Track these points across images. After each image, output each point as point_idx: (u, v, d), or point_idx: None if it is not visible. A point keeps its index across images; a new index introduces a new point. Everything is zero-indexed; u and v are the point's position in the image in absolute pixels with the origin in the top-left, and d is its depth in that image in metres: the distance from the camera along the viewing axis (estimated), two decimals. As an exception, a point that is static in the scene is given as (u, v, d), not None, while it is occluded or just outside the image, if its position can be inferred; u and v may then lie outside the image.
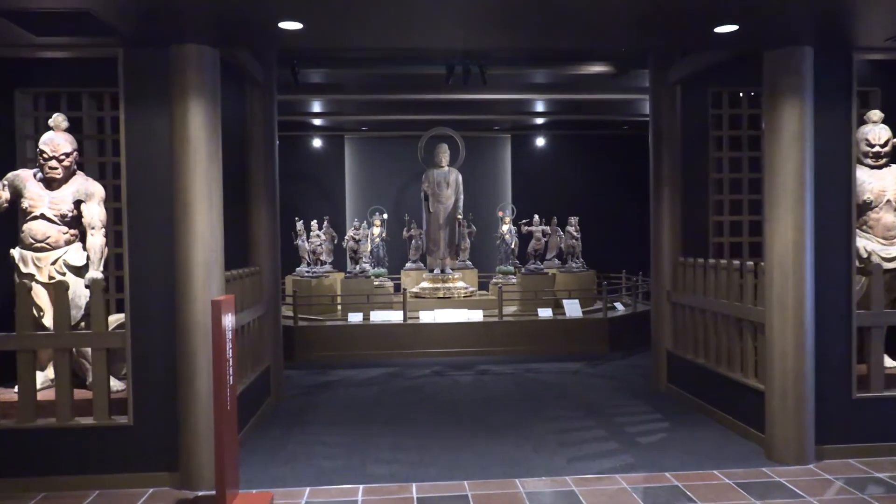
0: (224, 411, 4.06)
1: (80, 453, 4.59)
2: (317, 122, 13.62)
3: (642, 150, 15.62)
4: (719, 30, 4.65)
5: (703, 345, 6.35)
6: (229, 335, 4.16)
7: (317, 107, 12.33)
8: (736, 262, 5.81)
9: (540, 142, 14.68)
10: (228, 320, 4.16)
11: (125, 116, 4.62)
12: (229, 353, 4.15)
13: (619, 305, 10.40)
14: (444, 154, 11.17)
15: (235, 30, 4.52)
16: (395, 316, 9.43)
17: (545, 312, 9.68)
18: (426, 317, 9.52)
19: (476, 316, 9.55)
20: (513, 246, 11.42)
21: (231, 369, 4.18)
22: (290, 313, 9.35)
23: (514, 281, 11.13)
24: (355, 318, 9.44)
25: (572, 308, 9.67)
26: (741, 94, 7.11)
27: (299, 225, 11.05)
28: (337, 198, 14.60)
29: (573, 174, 14.77)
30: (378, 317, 9.45)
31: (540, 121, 13.88)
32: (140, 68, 4.63)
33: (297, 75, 8.61)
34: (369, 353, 9.11)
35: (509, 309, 10.07)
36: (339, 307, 10.01)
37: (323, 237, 10.92)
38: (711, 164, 7.10)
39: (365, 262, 11.85)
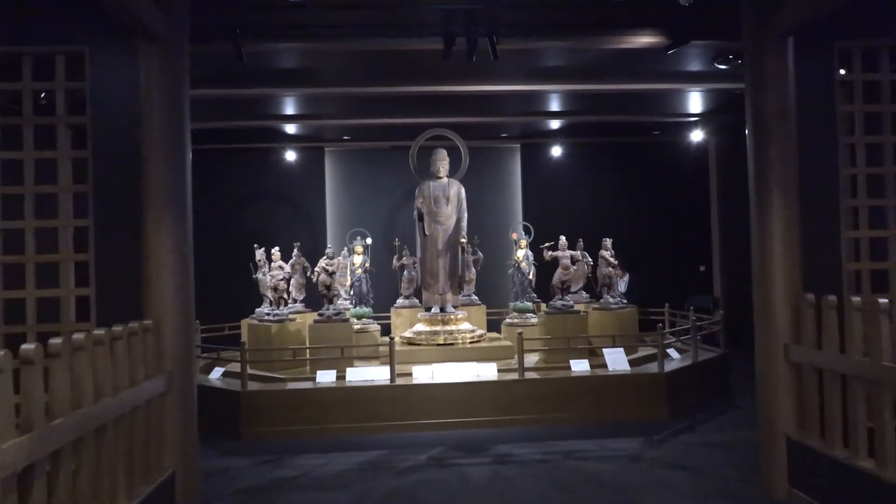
0: None
1: None
2: (290, 129, 11.34)
3: (678, 160, 13.48)
4: None
5: (867, 438, 3.94)
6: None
7: (289, 107, 10.06)
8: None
9: (555, 151, 12.42)
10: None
11: None
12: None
13: (672, 353, 7.99)
14: (443, 161, 8.83)
15: None
16: (380, 374, 7.01)
17: (580, 365, 7.27)
18: (422, 374, 7.10)
19: (489, 372, 7.13)
20: (530, 276, 9.04)
21: None
22: (256, 370, 6.93)
23: (533, 321, 8.73)
24: (326, 377, 7.03)
25: (616, 359, 7.26)
26: (882, 52, 4.83)
27: (259, 254, 8.67)
28: (316, 221, 12.29)
29: (594, 190, 12.52)
30: (357, 375, 7.03)
31: (555, 125, 11.61)
32: None
33: (241, 49, 6.30)
34: (343, 426, 6.67)
35: (530, 359, 7.65)
36: (308, 362, 7.58)
37: (288, 269, 8.53)
38: (842, 154, 4.78)
39: (344, 300, 9.48)
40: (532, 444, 6.18)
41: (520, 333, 7.05)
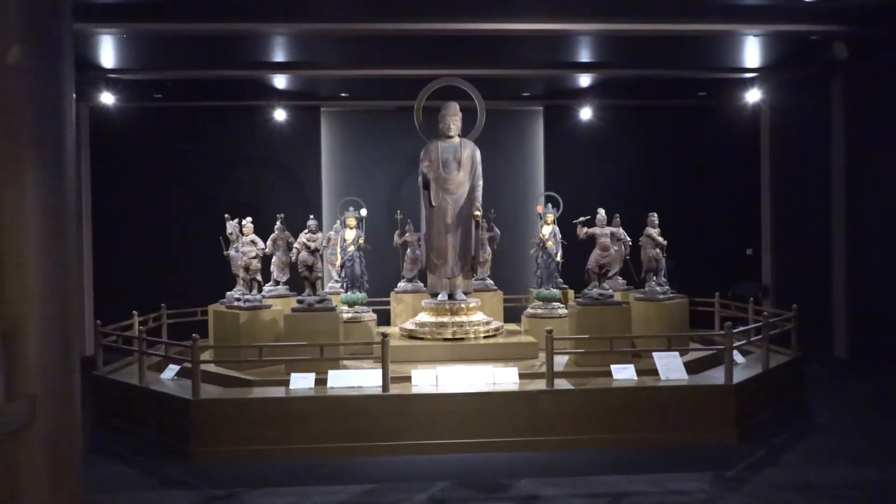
0: None
1: None
2: (280, 82, 9.78)
3: (725, 126, 10.69)
4: None
5: None
6: None
7: (277, 52, 8.50)
8: None
9: (584, 114, 10.77)
10: None
11: None
12: None
13: (737, 356, 6.45)
14: (454, 118, 7.25)
15: None
16: (371, 378, 5.53)
17: (624, 371, 5.75)
18: (423, 379, 5.61)
19: (508, 377, 5.64)
20: (558, 258, 7.52)
21: None
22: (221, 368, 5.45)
23: (561, 312, 7.24)
24: (302, 381, 5.56)
25: (670, 366, 5.73)
26: None
27: (231, 226, 7.18)
28: (310, 191, 10.77)
29: (626, 160, 10.93)
30: (340, 380, 5.55)
31: (584, 82, 9.97)
32: None
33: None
34: (320, 448, 5.20)
35: (557, 361, 6.07)
36: (284, 361, 6.10)
37: (262, 245, 7.03)
38: None
39: (334, 283, 8.03)
40: (565, 480, 4.69)
41: (549, 331, 5.53)
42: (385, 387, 5.35)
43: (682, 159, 10.95)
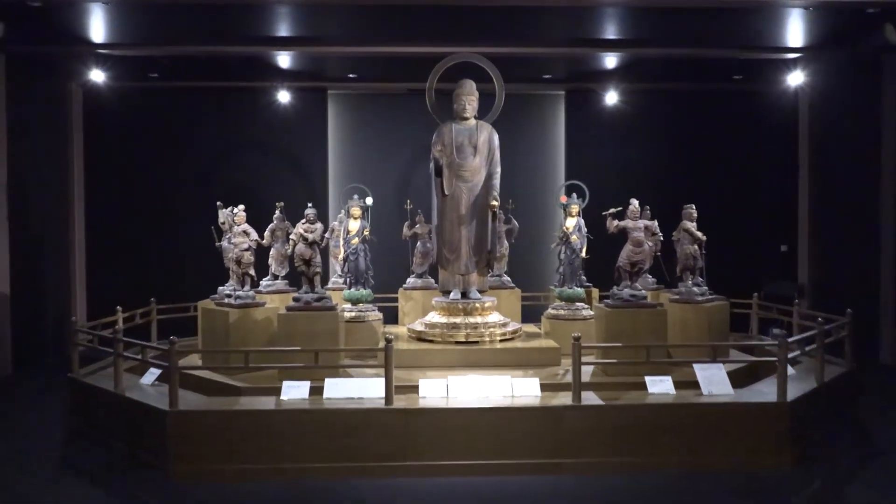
0: None
1: None
2: (284, 62, 9.12)
3: (761, 113, 9.91)
4: None
5: None
6: None
7: (281, 24, 7.83)
8: None
9: (609, 99, 10.02)
10: None
11: None
12: None
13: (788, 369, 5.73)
14: (470, 97, 6.55)
15: None
16: (373, 388, 4.88)
17: (660, 385, 5.06)
18: (432, 390, 4.95)
19: (528, 389, 4.97)
20: (582, 254, 6.82)
21: None
22: (206, 373, 4.82)
23: (586, 314, 6.55)
24: (295, 391, 4.91)
25: (713, 379, 5.02)
26: None
27: (223, 214, 6.54)
28: (315, 179, 10.13)
29: (653, 149, 10.18)
30: (338, 390, 4.90)
31: (610, 63, 9.22)
32: None
33: None
34: (313, 468, 4.55)
35: (583, 370, 5.40)
36: (277, 365, 5.45)
37: (256, 237, 6.38)
38: None
39: (337, 278, 7.40)
40: (596, 515, 4.03)
41: (577, 338, 4.84)
42: (388, 399, 4.69)
43: (714, 148, 10.19)
